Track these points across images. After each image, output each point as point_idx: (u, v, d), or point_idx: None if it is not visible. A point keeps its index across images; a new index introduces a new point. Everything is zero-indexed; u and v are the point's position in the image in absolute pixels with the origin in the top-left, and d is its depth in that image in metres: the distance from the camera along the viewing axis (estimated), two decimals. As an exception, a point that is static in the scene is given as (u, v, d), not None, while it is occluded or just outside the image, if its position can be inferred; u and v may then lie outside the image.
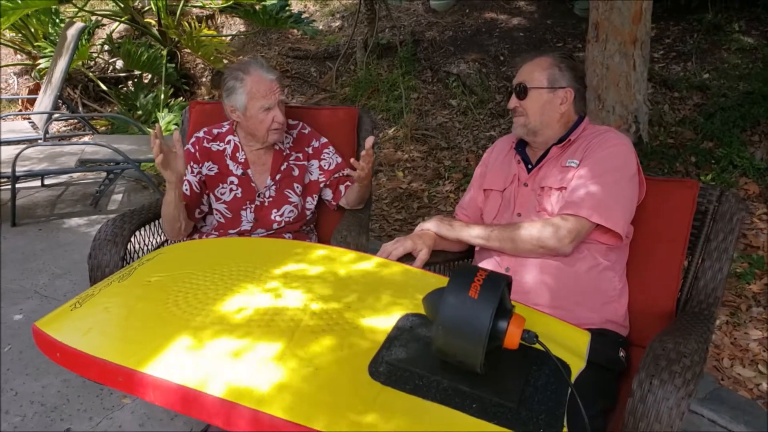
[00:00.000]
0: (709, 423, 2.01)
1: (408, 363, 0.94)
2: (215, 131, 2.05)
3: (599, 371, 1.44)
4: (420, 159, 4.20)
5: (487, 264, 1.69)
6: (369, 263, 1.28)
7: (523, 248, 1.60)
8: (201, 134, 2.04)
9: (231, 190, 2.00)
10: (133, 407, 2.05)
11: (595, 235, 1.60)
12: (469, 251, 1.85)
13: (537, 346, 0.90)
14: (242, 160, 2.01)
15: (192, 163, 1.99)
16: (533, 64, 1.72)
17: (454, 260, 1.87)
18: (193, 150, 2.00)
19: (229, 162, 2.01)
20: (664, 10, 4.94)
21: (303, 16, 5.47)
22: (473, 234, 1.68)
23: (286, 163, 2.04)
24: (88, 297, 1.19)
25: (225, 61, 5.93)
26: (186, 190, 1.95)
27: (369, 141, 1.80)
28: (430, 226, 1.73)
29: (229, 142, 2.03)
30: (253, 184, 2.01)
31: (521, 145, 1.79)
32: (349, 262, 1.27)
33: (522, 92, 1.70)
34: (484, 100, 4.62)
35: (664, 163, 3.49)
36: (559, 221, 1.57)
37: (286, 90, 1.71)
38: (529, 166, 1.74)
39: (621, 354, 1.53)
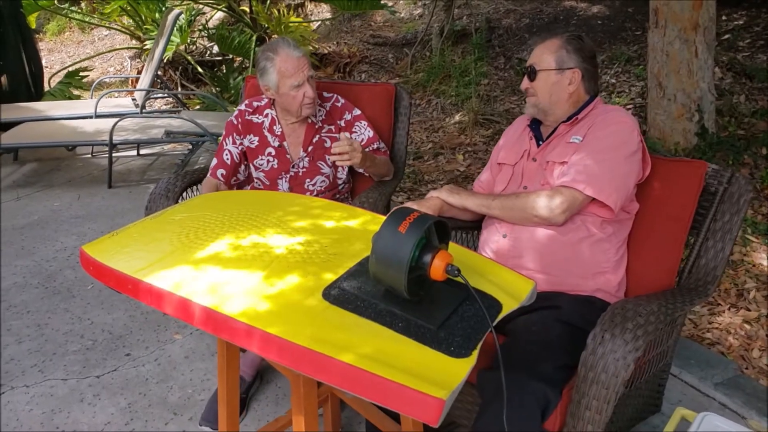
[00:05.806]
0: (719, 406, 2.03)
1: (356, 289, 1.11)
2: (255, 104, 2.19)
3: (575, 331, 1.54)
4: (482, 143, 4.29)
5: (488, 230, 1.81)
6: (359, 218, 1.45)
7: (519, 216, 1.70)
8: (243, 107, 2.19)
9: (268, 161, 2.16)
10: (182, 342, 2.35)
11: (591, 207, 1.68)
12: (480, 221, 1.96)
13: (459, 279, 1.04)
14: (279, 133, 2.15)
15: (234, 134, 2.16)
16: (543, 47, 1.79)
17: (464, 228, 2.00)
18: (235, 122, 2.16)
19: (267, 134, 2.16)
20: (756, -4, 4.71)
21: (388, 4, 5.66)
22: (477, 202, 1.80)
23: (318, 136, 2.16)
24: (125, 229, 1.44)
25: (310, 47, 6.25)
26: (227, 159, 2.15)
27: (341, 135, 1.95)
28: (438, 193, 1.86)
29: (266, 115, 2.17)
30: (288, 156, 2.16)
31: (536, 123, 1.88)
32: (340, 216, 1.45)
33: (532, 74, 1.78)
34: (553, 87, 4.62)
35: (729, 155, 3.38)
36: (553, 192, 1.66)
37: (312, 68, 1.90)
38: (540, 142, 1.83)
39: (602, 320, 1.61)
